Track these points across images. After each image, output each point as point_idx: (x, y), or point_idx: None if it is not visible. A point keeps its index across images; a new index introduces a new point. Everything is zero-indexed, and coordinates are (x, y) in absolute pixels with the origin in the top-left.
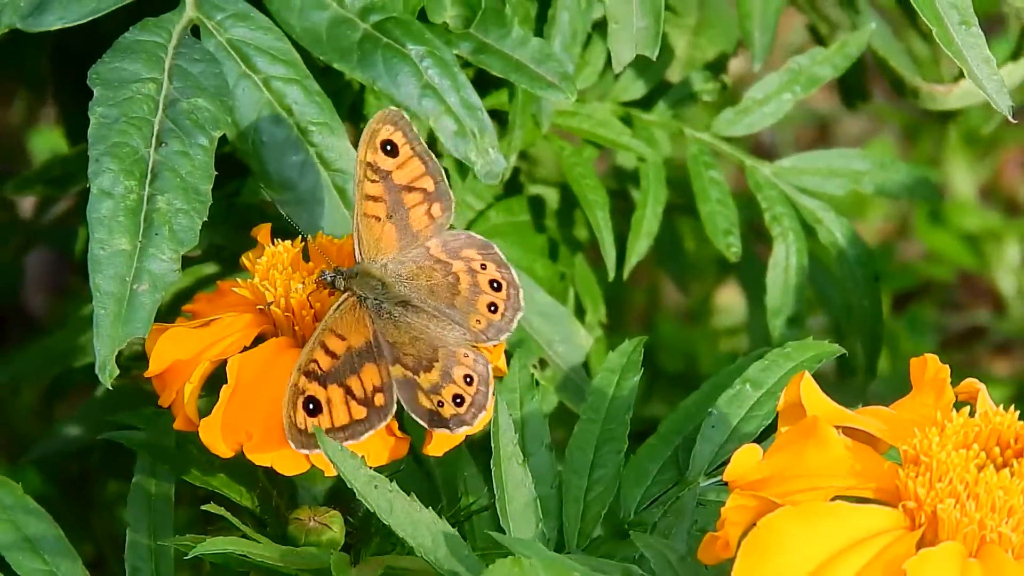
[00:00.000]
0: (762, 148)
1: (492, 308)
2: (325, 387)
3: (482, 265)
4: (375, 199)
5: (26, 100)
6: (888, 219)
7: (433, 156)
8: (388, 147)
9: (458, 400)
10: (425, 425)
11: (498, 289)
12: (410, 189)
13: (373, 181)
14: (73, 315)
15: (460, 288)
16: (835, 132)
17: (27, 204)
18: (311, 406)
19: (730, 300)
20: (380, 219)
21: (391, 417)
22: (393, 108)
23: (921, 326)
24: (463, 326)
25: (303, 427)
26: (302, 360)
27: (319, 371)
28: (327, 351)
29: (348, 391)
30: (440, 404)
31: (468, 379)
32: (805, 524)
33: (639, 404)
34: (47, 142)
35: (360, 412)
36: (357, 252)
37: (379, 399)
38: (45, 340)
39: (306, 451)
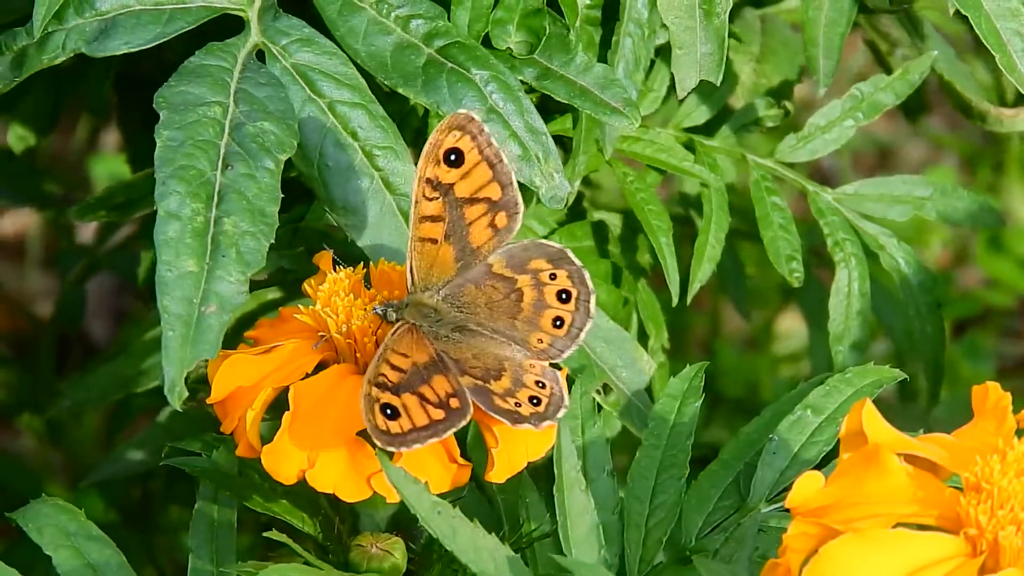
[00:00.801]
0: (821, 173)
1: (557, 323)
2: (399, 395)
3: (551, 275)
4: (433, 219)
5: (87, 126)
6: (947, 245)
7: (504, 158)
8: (452, 156)
9: (535, 401)
10: (508, 423)
11: (566, 300)
12: (473, 201)
13: (431, 199)
14: (135, 340)
15: (523, 305)
16: (894, 158)
17: (87, 230)
18: (388, 411)
19: (791, 326)
20: (437, 241)
21: (470, 416)
22: (462, 112)
23: (980, 352)
24: (523, 346)
25: (385, 428)
26: (371, 374)
27: (389, 383)
28: (393, 367)
29: (422, 397)
30: (518, 405)
31: (540, 384)
32: (867, 551)
33: (700, 430)
34: (108, 168)
35: (438, 414)
36: (409, 281)
37: (454, 402)
38: (108, 365)
39: (394, 448)
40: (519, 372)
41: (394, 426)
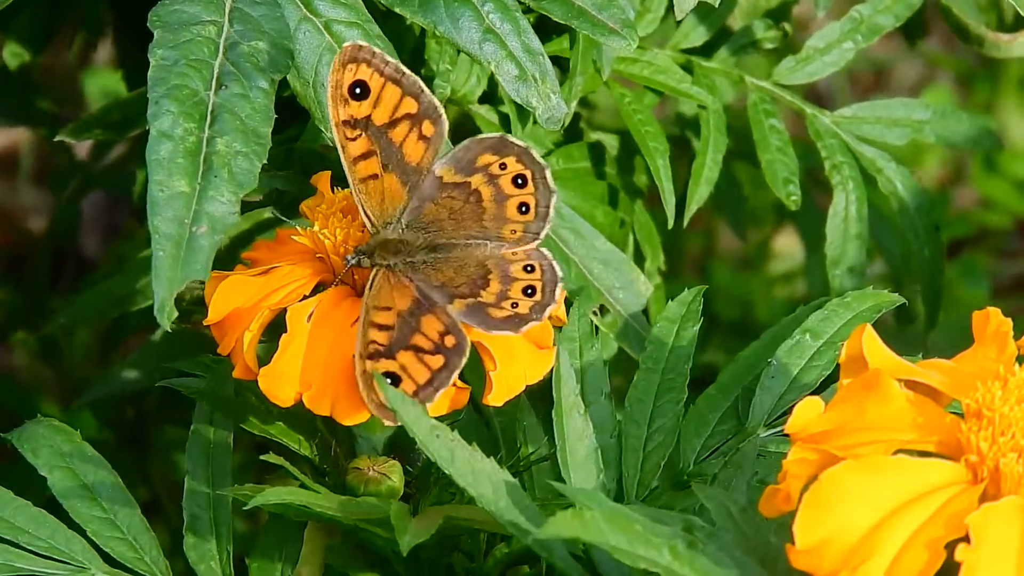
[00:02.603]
0: (817, 94)
1: (523, 209)
2: (394, 357)
3: (501, 165)
4: (364, 156)
5: (80, 41)
6: (943, 165)
7: (406, 71)
8: (357, 90)
9: (529, 291)
10: (514, 332)
11: (523, 184)
12: (394, 123)
13: (354, 139)
14: (130, 258)
15: (484, 203)
16: (890, 78)
17: (82, 147)
18: (389, 380)
19: (786, 246)
20: (377, 175)
21: (467, 353)
22: (348, 44)
23: (976, 273)
24: (499, 241)
25: (387, 403)
26: (360, 348)
27: (381, 347)
28: (380, 327)
29: (417, 349)
30: (515, 305)
31: (529, 268)
32: (867, 478)
33: (696, 352)
34: (101, 83)
35: (437, 361)
36: (368, 224)
37: (449, 340)
38: (103, 284)
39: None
40: (505, 267)
41: (396, 393)
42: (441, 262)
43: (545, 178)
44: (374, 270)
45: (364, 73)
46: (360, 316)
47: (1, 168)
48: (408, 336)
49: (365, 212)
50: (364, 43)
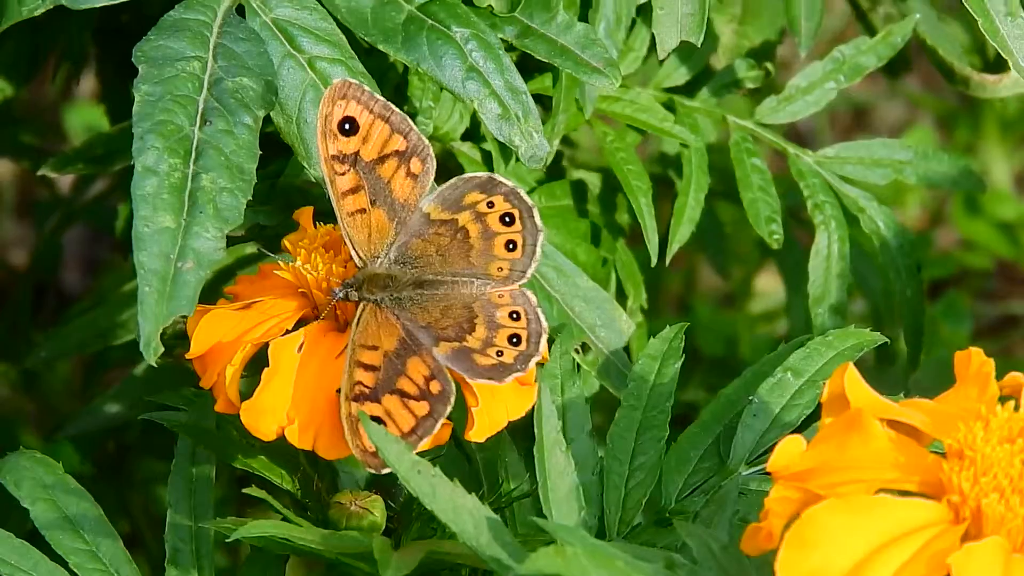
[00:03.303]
0: (797, 133)
1: (511, 246)
2: (379, 401)
3: (489, 204)
4: (353, 191)
5: (62, 74)
6: (924, 207)
7: (394, 108)
8: (347, 126)
9: (515, 340)
10: (497, 382)
11: (511, 223)
12: (383, 159)
13: (343, 174)
14: (112, 292)
15: (471, 241)
16: (870, 117)
17: (64, 181)
18: (376, 419)
19: (767, 285)
20: (365, 210)
21: (452, 399)
22: (337, 81)
23: (957, 314)
24: (486, 279)
25: (372, 449)
26: (346, 388)
27: (367, 390)
28: (366, 367)
29: (402, 394)
30: (500, 354)
31: (515, 315)
32: (849, 517)
33: (677, 389)
34: (82, 117)
35: (422, 408)
36: (356, 258)
37: (434, 386)
38: (85, 317)
39: (385, 471)
40: (491, 311)
41: (391, 427)
42: (428, 299)
43: (532, 217)
44: (361, 305)
45: (353, 109)
46: (347, 353)
47: None
48: (394, 379)
49: (353, 246)
50: (353, 80)
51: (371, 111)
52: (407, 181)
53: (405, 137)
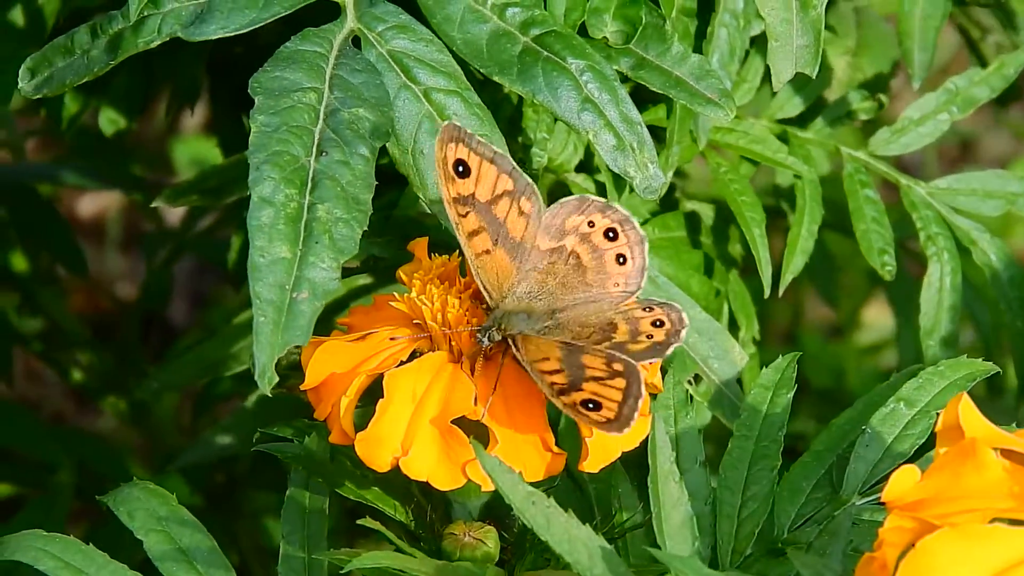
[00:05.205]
0: (903, 165)
1: (621, 260)
2: (581, 389)
3: (589, 223)
4: (476, 232)
5: (170, 108)
6: None
7: (497, 149)
8: (460, 168)
9: (658, 323)
10: (660, 358)
11: (615, 237)
12: (496, 199)
13: (465, 215)
14: (222, 324)
15: (584, 263)
16: (977, 149)
17: (171, 214)
18: (591, 405)
19: (874, 317)
20: (490, 251)
21: (641, 373)
22: (446, 124)
23: None
24: (607, 297)
25: (608, 417)
26: (546, 391)
27: (565, 384)
28: (550, 372)
29: (596, 379)
30: (650, 336)
31: (647, 308)
32: (964, 546)
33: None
34: (189, 150)
35: (620, 382)
36: (488, 298)
37: (618, 366)
38: (196, 349)
39: (626, 430)
40: (625, 313)
41: (606, 411)
42: (566, 323)
43: (634, 227)
44: (509, 339)
45: (463, 152)
46: (529, 371)
47: (89, 235)
48: (581, 372)
49: (484, 287)
50: (458, 123)
51: (478, 153)
52: (520, 219)
53: (511, 177)
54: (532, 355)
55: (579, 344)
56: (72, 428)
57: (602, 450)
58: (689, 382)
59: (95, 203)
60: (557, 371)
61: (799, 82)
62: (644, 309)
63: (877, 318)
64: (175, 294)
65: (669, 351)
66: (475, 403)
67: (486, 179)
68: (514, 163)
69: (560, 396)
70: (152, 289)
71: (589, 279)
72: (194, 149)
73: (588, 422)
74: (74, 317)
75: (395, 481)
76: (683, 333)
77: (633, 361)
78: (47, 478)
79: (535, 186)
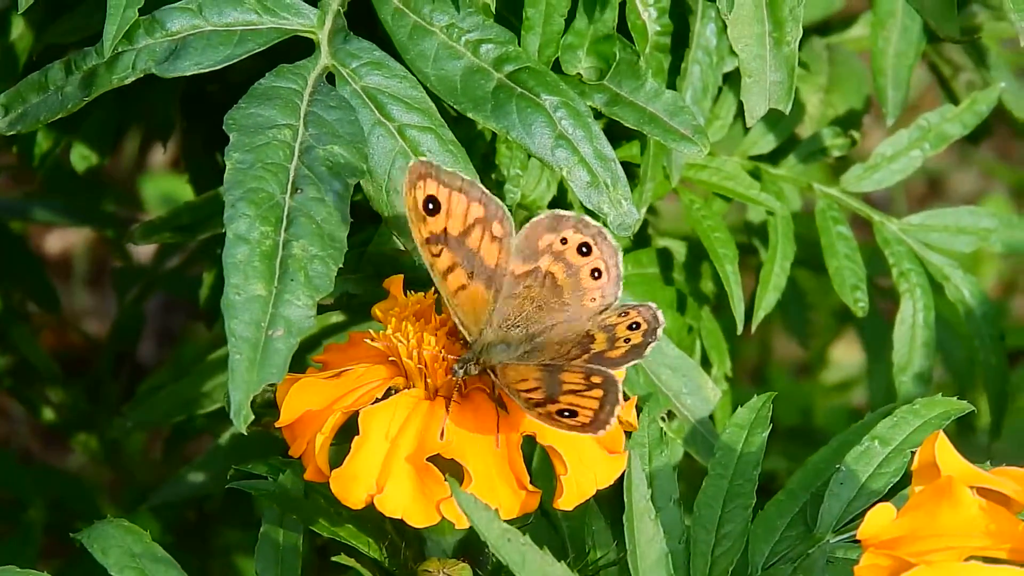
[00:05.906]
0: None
1: (596, 274)
2: (558, 401)
3: (562, 240)
4: (451, 269)
5: (143, 145)
6: (999, 276)
7: (465, 177)
8: (431, 205)
9: (634, 326)
10: (640, 360)
11: (588, 252)
12: (468, 230)
13: (438, 254)
14: (192, 361)
15: (559, 281)
16: (945, 187)
17: (141, 250)
18: (566, 414)
19: (841, 354)
20: (465, 285)
21: (619, 382)
22: (414, 161)
23: None
24: (585, 312)
25: (584, 422)
26: (523, 405)
27: (541, 398)
28: (528, 391)
29: (573, 392)
30: (627, 340)
31: (622, 313)
32: None
33: None
34: (158, 187)
35: (598, 392)
36: (466, 334)
37: (596, 378)
38: (170, 386)
39: (608, 428)
40: (599, 322)
41: (581, 418)
42: (545, 345)
43: (606, 239)
44: (489, 370)
45: (432, 187)
46: (506, 391)
47: (56, 272)
48: (558, 386)
49: (461, 324)
50: (425, 159)
51: (447, 185)
52: (493, 245)
53: (481, 203)
54: (511, 379)
55: (558, 364)
56: (43, 465)
57: (577, 488)
58: (662, 418)
59: (62, 240)
60: (535, 388)
61: (772, 119)
62: (619, 314)
63: (844, 356)
64: (145, 332)
65: (648, 351)
66: (450, 440)
67: (456, 210)
68: (484, 188)
69: (536, 408)
70: (123, 326)
71: (566, 298)
72: (163, 186)
73: (564, 427)
74: (45, 354)
75: (369, 518)
76: (659, 331)
77: (610, 371)
78: (18, 515)
79: (505, 208)
